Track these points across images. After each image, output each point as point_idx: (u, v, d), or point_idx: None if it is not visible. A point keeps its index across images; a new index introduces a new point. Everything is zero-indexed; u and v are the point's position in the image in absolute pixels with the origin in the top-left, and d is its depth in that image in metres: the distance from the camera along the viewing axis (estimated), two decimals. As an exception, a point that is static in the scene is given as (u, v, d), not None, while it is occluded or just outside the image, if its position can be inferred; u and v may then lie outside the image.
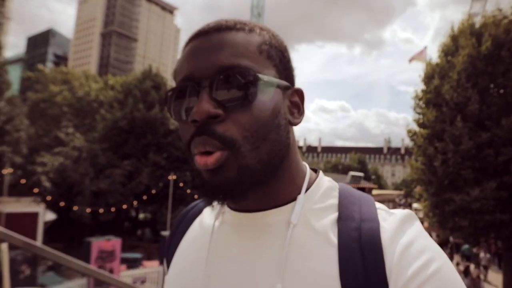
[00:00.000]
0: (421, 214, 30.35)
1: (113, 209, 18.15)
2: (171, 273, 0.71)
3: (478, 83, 12.31)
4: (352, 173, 24.65)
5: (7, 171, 14.24)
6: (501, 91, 12.27)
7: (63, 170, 19.03)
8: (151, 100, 22.43)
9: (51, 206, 17.75)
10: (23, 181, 16.51)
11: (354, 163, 60.53)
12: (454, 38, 14.53)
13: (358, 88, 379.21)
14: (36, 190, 17.20)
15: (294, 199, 0.62)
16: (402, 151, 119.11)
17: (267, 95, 0.57)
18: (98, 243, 12.29)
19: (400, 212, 0.60)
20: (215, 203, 0.59)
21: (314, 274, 0.54)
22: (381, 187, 64.81)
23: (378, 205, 0.63)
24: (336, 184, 0.67)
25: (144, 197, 18.91)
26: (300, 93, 0.66)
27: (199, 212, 0.77)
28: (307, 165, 0.69)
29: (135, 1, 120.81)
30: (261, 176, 0.57)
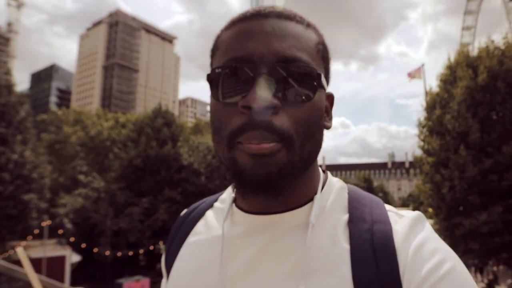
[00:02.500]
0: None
1: (141, 251, 18.82)
2: (174, 279, 0.68)
3: (477, 112, 13.10)
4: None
5: (45, 223, 15.00)
6: (500, 119, 13.01)
7: (83, 211, 19.76)
8: (163, 137, 23.28)
9: (74, 247, 18.38)
10: (60, 231, 17.20)
11: (360, 182, 60.91)
12: (451, 68, 15.40)
13: (357, 103, 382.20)
14: (61, 231, 17.87)
15: (310, 199, 0.62)
16: (407, 165, 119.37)
17: (319, 95, 0.57)
18: (129, 285, 12.86)
19: (410, 214, 0.61)
20: (246, 195, 0.57)
21: (328, 275, 0.54)
22: (388, 203, 64.51)
23: (387, 207, 0.63)
24: (345, 184, 0.68)
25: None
26: (331, 99, 0.67)
27: (201, 214, 0.74)
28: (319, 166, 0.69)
29: (135, 33, 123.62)
30: (298, 174, 0.57)
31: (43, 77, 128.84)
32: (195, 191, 22.12)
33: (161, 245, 20.08)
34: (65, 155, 26.87)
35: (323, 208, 0.61)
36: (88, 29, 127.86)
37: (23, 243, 14.90)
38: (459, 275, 0.52)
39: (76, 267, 18.06)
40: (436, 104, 14.90)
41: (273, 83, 0.52)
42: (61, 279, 15.45)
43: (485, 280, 17.88)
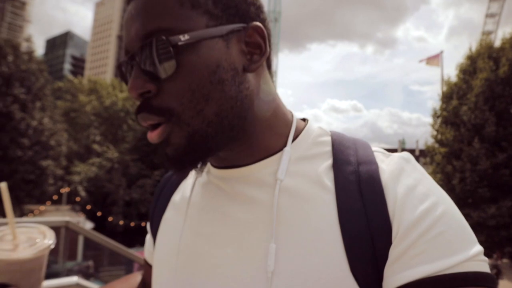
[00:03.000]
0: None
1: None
2: (158, 244, 0.68)
3: (495, 105, 13.02)
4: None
5: (64, 190, 15.50)
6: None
7: (97, 180, 20.30)
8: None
9: (86, 214, 18.98)
10: (78, 199, 17.72)
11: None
12: (472, 59, 15.19)
13: (371, 87, 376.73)
14: (78, 199, 18.44)
15: (281, 149, 0.59)
16: (417, 153, 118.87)
17: (197, 53, 0.51)
18: (141, 254, 13.29)
19: (397, 154, 0.57)
20: (178, 173, 0.56)
21: (310, 222, 0.51)
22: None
23: (374, 148, 0.60)
24: (328, 130, 0.64)
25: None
26: (259, 30, 0.56)
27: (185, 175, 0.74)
28: (293, 113, 0.65)
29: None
30: (218, 137, 0.53)
31: (58, 43, 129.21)
32: (206, 166, 22.45)
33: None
34: (79, 124, 27.31)
35: (299, 156, 0.58)
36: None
37: (42, 207, 15.47)
38: (453, 217, 0.49)
39: (88, 234, 18.71)
40: (453, 94, 14.80)
41: (144, 66, 0.51)
42: (75, 244, 16.03)
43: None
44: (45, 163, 16.05)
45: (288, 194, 0.54)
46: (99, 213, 18.80)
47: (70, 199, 19.04)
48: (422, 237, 0.47)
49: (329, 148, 0.59)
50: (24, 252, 0.56)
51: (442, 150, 14.34)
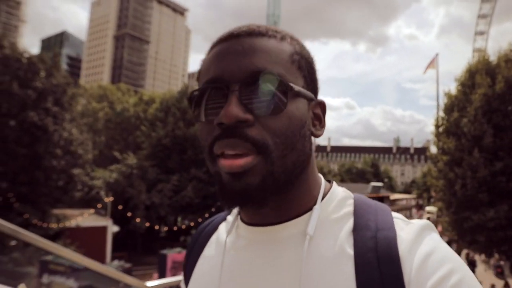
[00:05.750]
0: (434, 217, 32.63)
1: (175, 228, 20.54)
2: None
3: (492, 118, 14.35)
4: (372, 183, 26.98)
5: (108, 199, 16.63)
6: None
7: (118, 185, 21.42)
8: (190, 118, 24.63)
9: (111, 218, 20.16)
10: (121, 205, 18.77)
11: (367, 167, 62.22)
12: (471, 72, 16.49)
13: (364, 85, 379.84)
14: (108, 199, 19.55)
15: (310, 209, 0.62)
16: (412, 150, 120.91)
17: (296, 105, 0.57)
18: (172, 256, 14.46)
19: (417, 222, 0.59)
20: (231, 208, 0.60)
21: (330, 286, 0.54)
22: (392, 188, 66.19)
23: (395, 214, 0.62)
24: (351, 193, 0.68)
25: (202, 217, 21.13)
26: (322, 106, 0.67)
27: (215, 228, 0.76)
28: (321, 176, 0.69)
29: (147, 3, 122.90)
30: (283, 184, 0.57)
31: (53, 43, 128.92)
32: (219, 171, 23.63)
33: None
34: (93, 130, 28.31)
35: (325, 218, 0.61)
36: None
37: (86, 214, 16.57)
38: (468, 286, 0.50)
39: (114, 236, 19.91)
40: (454, 107, 16.10)
41: (245, 98, 0.54)
42: (103, 245, 17.30)
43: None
44: (76, 171, 17.16)
45: (313, 256, 0.58)
46: (129, 214, 19.85)
47: (91, 204, 20.07)
48: None
49: (351, 210, 0.63)
50: None
51: (445, 158, 15.65)
